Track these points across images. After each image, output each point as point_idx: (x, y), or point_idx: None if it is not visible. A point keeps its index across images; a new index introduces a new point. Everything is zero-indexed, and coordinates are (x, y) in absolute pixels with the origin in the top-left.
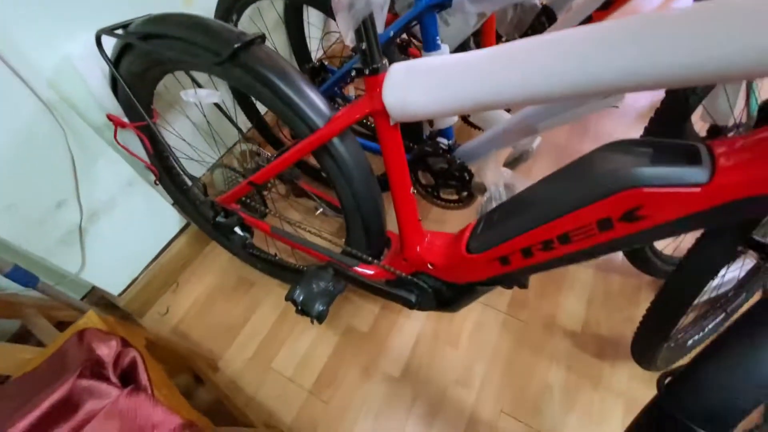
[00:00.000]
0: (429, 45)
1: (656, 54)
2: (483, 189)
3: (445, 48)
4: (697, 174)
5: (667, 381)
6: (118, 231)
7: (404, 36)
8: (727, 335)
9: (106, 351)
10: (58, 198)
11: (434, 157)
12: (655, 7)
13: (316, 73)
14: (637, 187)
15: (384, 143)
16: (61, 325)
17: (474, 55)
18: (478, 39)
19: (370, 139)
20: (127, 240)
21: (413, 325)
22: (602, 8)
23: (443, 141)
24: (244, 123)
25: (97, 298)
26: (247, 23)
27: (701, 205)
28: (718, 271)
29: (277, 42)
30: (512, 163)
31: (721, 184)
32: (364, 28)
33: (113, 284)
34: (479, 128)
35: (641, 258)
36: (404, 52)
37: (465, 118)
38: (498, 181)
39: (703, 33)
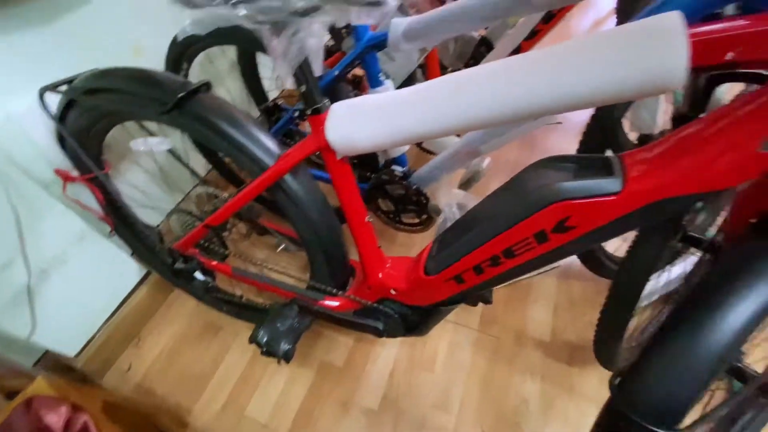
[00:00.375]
0: (373, 82)
1: (563, 81)
2: (439, 211)
3: (388, 83)
4: (612, 184)
5: (617, 381)
6: (72, 288)
7: (358, 72)
8: (663, 328)
9: (55, 419)
10: (2, 259)
11: (391, 184)
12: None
13: (271, 113)
14: (562, 200)
15: (334, 176)
16: (13, 395)
17: (406, 91)
18: (425, 70)
19: None
20: (81, 296)
21: (388, 354)
22: (528, 38)
23: (398, 168)
24: (204, 165)
25: (51, 361)
26: (201, 69)
27: (619, 211)
28: (654, 269)
29: (233, 85)
30: (466, 184)
31: (632, 191)
32: (302, 72)
33: (68, 345)
34: (433, 153)
35: (595, 262)
36: (357, 86)
37: (419, 145)
38: (451, 202)
39: (596, 61)
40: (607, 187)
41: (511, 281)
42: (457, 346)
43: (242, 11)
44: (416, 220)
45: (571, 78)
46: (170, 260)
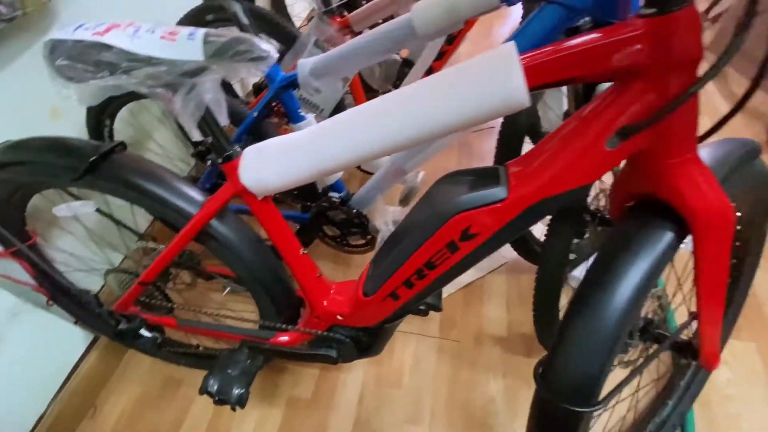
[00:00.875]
0: (293, 118)
1: (433, 111)
2: (378, 230)
3: (309, 117)
4: (499, 192)
5: (540, 371)
6: (12, 367)
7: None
8: (568, 313)
9: None
10: None
11: (332, 210)
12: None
13: (203, 156)
14: (461, 212)
15: (259, 216)
16: None
17: (309, 130)
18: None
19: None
20: (24, 375)
21: (355, 377)
22: (438, 59)
23: (335, 194)
24: (145, 217)
25: None
26: (127, 124)
27: (509, 215)
28: (568, 253)
29: (163, 135)
30: (405, 200)
31: (515, 197)
32: (206, 124)
33: (16, 429)
34: (372, 173)
35: (529, 251)
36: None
37: (358, 167)
38: (387, 220)
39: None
40: (496, 195)
41: (443, 286)
42: (421, 356)
43: (132, 80)
44: (362, 241)
45: (440, 108)
46: (113, 322)
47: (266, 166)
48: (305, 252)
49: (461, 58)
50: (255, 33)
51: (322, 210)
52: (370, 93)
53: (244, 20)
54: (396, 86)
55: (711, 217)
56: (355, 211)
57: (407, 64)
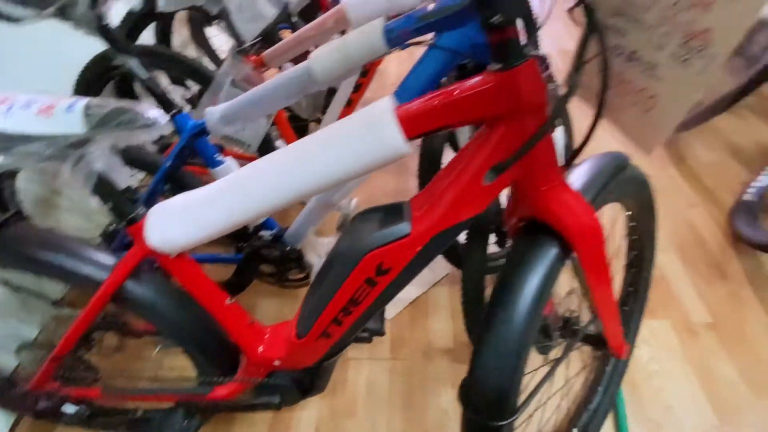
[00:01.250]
0: (211, 163)
1: (321, 165)
2: (311, 265)
3: (230, 161)
4: (404, 227)
5: (463, 391)
6: None
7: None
8: (479, 333)
9: None
10: None
11: (266, 248)
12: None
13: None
14: (371, 250)
15: (174, 274)
16: None
17: (211, 186)
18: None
19: None
20: None
21: (310, 414)
22: (355, 91)
23: (266, 232)
24: None
25: None
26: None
27: (415, 248)
28: (486, 263)
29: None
30: (341, 227)
31: (418, 232)
32: (103, 190)
33: None
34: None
35: (459, 260)
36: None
37: None
38: (320, 253)
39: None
40: (401, 231)
41: (373, 316)
42: (374, 380)
43: (10, 158)
44: (302, 275)
45: (329, 162)
46: (29, 403)
47: (172, 224)
48: (233, 301)
49: (391, 79)
50: (155, 86)
51: (255, 249)
52: (299, 122)
53: (142, 75)
54: (324, 113)
55: (583, 232)
56: (288, 247)
57: (333, 92)
